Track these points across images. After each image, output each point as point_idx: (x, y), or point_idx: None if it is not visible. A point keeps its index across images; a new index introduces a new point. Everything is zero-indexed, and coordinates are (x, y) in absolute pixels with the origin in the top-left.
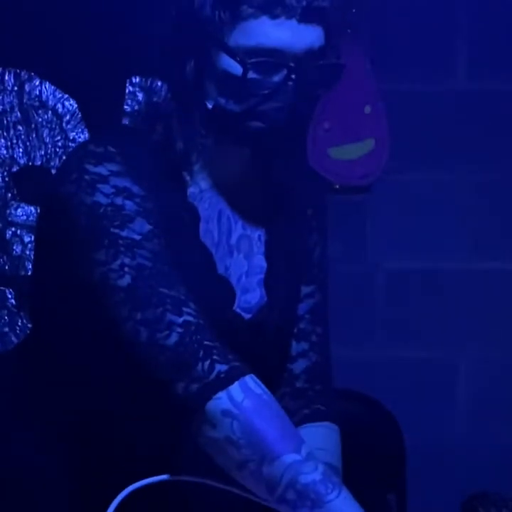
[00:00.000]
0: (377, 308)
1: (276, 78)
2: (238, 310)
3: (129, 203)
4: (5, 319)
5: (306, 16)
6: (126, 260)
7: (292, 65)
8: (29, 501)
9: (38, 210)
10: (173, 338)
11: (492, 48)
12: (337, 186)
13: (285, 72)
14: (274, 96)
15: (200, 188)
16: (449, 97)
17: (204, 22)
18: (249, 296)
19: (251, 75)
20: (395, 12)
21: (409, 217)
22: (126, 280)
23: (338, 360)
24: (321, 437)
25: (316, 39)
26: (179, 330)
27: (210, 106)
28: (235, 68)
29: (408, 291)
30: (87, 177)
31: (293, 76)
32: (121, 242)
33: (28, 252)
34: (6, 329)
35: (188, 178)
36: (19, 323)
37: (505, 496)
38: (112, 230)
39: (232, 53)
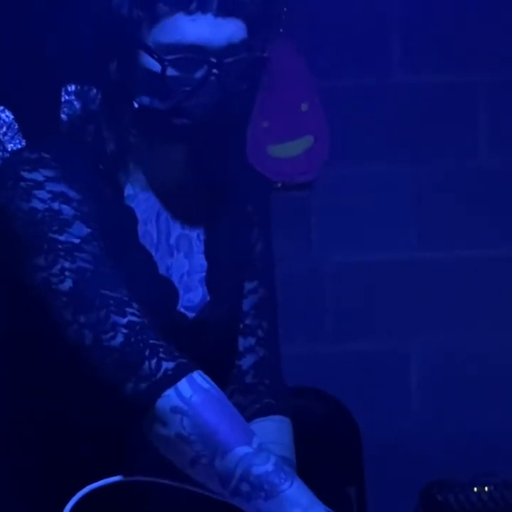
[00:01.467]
0: (325, 302)
1: (198, 74)
2: (182, 309)
3: (66, 208)
4: None
5: (223, 10)
6: (67, 264)
7: (213, 60)
8: None
9: None
10: (119, 338)
11: (424, 40)
12: (279, 184)
13: (206, 67)
14: (197, 92)
15: (135, 189)
16: (385, 90)
17: (122, 22)
18: (192, 295)
19: (171, 72)
20: (328, 8)
21: (353, 211)
22: (67, 284)
23: (290, 356)
24: (273, 431)
25: (235, 33)
26: (124, 330)
27: (136, 105)
28: (155, 66)
29: (356, 284)
30: (22, 184)
31: (215, 71)
32: (60, 246)
33: None
34: None
35: (123, 178)
36: None
37: (461, 481)
38: (50, 235)
39: (151, 51)
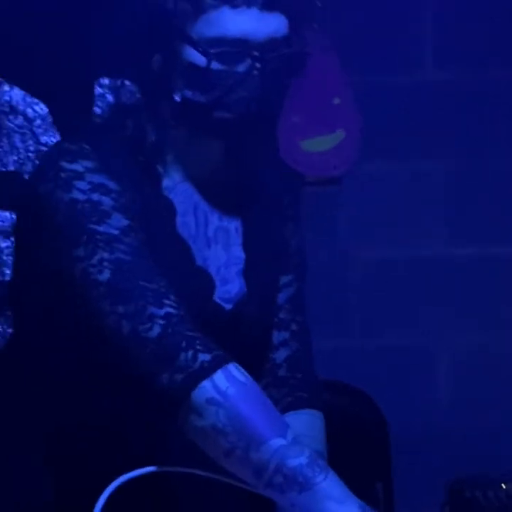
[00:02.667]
0: (354, 298)
1: (241, 68)
2: (218, 301)
3: (105, 199)
4: None
5: (268, 5)
6: (105, 255)
7: (256, 54)
8: (21, 501)
9: (16, 212)
10: (156, 330)
11: (458, 37)
12: (309, 178)
13: (249, 61)
14: (239, 86)
15: (174, 181)
16: (417, 86)
17: (167, 15)
18: (229, 286)
19: (215, 65)
20: (361, 3)
21: (381, 207)
22: (106, 275)
23: (318, 351)
24: (305, 424)
25: (278, 27)
26: (161, 322)
27: (178, 98)
28: (199, 59)
29: (384, 280)
30: (63, 174)
31: (257, 65)
32: (99, 237)
33: (4, 258)
34: None
35: (161, 170)
36: None
37: (490, 477)
38: (89, 226)
39: (196, 45)
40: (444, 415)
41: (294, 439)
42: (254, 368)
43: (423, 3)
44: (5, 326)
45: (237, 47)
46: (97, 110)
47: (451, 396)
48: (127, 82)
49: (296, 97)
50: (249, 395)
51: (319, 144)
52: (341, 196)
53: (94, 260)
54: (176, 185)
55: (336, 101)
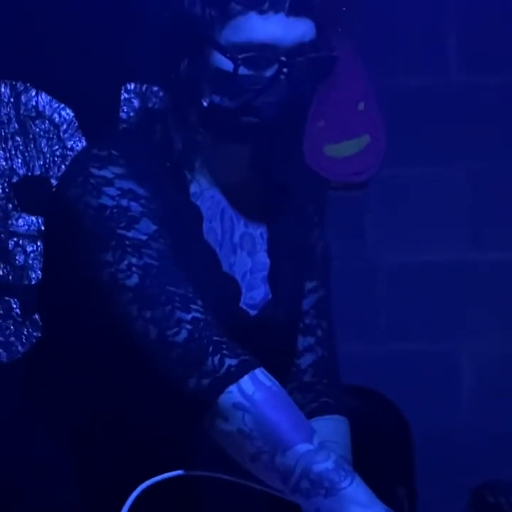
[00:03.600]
0: (378, 302)
1: (268, 73)
2: (244, 306)
3: (134, 205)
4: (11, 329)
5: (295, 10)
6: (134, 260)
7: (283, 59)
8: (48, 503)
9: (45, 217)
10: (183, 334)
11: (482, 40)
12: (334, 183)
13: (276, 66)
14: (267, 90)
15: (201, 187)
16: (442, 90)
17: (195, 21)
18: (255, 292)
19: (242, 70)
20: (385, 7)
21: (408, 211)
22: (134, 280)
23: (342, 355)
24: (330, 430)
25: (305, 32)
26: (188, 326)
27: (205, 104)
28: (227, 65)
29: (409, 285)
30: (92, 180)
31: (285, 70)
32: (127, 242)
33: (30, 262)
34: (12, 339)
35: (189, 176)
36: (25, 333)
37: None
38: (118, 231)
39: (223, 50)
40: (468, 420)
41: (320, 444)
42: (280, 374)
43: (447, 5)
44: (31, 330)
45: (265, 52)
46: (123, 115)
47: (475, 401)
48: (154, 88)
49: (321, 102)
50: (276, 399)
51: (344, 149)
52: (367, 201)
53: (123, 265)
54: (203, 191)
55: (361, 106)
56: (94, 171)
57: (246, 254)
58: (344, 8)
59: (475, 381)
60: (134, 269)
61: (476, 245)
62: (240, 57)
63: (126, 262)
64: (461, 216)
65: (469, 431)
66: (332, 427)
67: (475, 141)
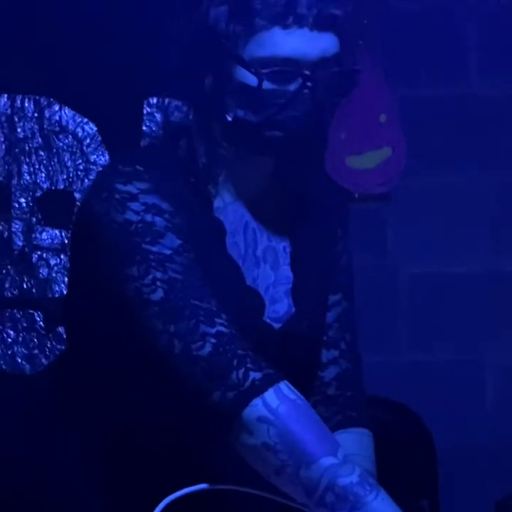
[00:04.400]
0: (400, 313)
1: (292, 87)
2: (268, 320)
3: (158, 219)
4: (34, 342)
5: (318, 24)
6: (158, 275)
7: (307, 73)
8: None
9: (70, 232)
10: (207, 348)
11: (503, 51)
12: (356, 195)
13: (300, 80)
14: (291, 105)
15: (224, 201)
16: (463, 100)
17: (219, 37)
18: (278, 306)
19: (266, 85)
20: (406, 18)
21: (430, 222)
22: (158, 294)
23: (365, 366)
24: (355, 443)
25: (329, 46)
26: (213, 340)
27: (229, 118)
28: (251, 79)
29: (431, 296)
30: (117, 196)
31: (308, 84)
32: (152, 257)
33: (54, 275)
34: (36, 351)
35: (213, 191)
36: (48, 345)
37: None
38: (143, 246)
39: (247, 65)
40: (492, 431)
41: (345, 458)
42: (304, 387)
43: (468, 16)
44: (54, 343)
45: (289, 66)
46: (146, 129)
47: (500, 411)
48: (177, 102)
49: (343, 113)
50: (300, 413)
51: (366, 160)
52: (389, 212)
53: (148, 280)
54: (227, 206)
55: (383, 118)
56: (119, 186)
57: (269, 267)
58: (365, 21)
59: (498, 392)
60: (158, 283)
61: (499, 256)
62: (264, 71)
63: (150, 277)
64: (484, 226)
65: (493, 442)
66: (356, 440)
67: (497, 151)
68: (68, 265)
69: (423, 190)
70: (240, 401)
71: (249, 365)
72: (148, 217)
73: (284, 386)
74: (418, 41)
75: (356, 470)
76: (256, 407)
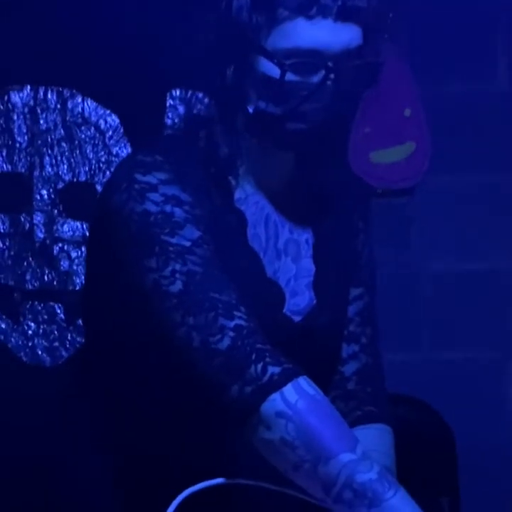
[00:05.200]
0: (423, 310)
1: (315, 79)
2: (288, 313)
3: (178, 211)
4: (55, 334)
5: (342, 15)
6: (177, 266)
7: (330, 64)
8: (87, 508)
9: (89, 222)
10: (226, 341)
11: None
12: (380, 190)
13: (323, 72)
14: (313, 96)
15: (246, 193)
16: (490, 98)
17: (242, 27)
18: (299, 299)
19: (289, 76)
20: (434, 15)
21: (453, 219)
22: (177, 286)
23: (386, 363)
24: (374, 439)
25: (353, 38)
26: (231, 334)
27: (251, 110)
28: (274, 71)
29: (454, 293)
30: (136, 186)
31: (331, 76)
32: (171, 249)
33: (75, 267)
34: (56, 344)
35: (233, 182)
36: (69, 338)
37: None
38: (162, 237)
39: (270, 56)
40: None
41: (364, 454)
42: (323, 381)
43: (496, 13)
44: (74, 335)
45: (312, 58)
46: (168, 121)
47: None
48: (200, 94)
49: (367, 108)
50: (319, 408)
51: (390, 155)
52: (413, 208)
53: (167, 272)
54: (248, 197)
55: (407, 113)
56: (139, 176)
57: (290, 260)
58: (391, 14)
59: None
60: (177, 275)
61: None
62: (286, 62)
63: (169, 269)
64: (508, 224)
65: None
66: (376, 436)
67: None
68: (86, 258)
69: (448, 187)
70: (259, 395)
71: (267, 360)
72: (168, 208)
73: (303, 381)
74: (445, 37)
75: (375, 467)
76: (274, 402)
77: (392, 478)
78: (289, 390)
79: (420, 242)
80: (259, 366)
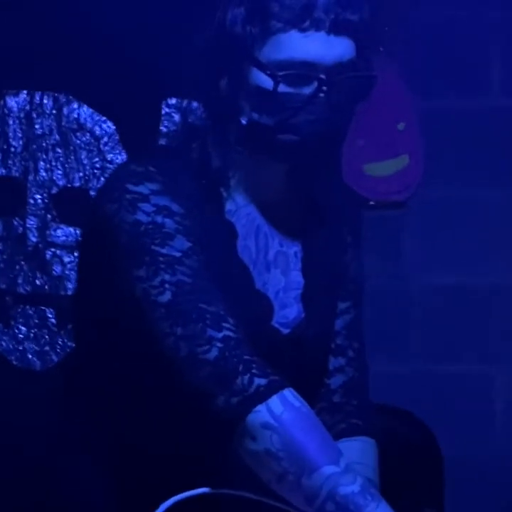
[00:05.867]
0: (412, 322)
1: (308, 91)
2: (276, 325)
3: (168, 221)
4: (46, 338)
5: (335, 29)
6: (167, 277)
7: (323, 77)
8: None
9: (81, 230)
10: (214, 352)
11: None
12: (372, 202)
13: (316, 84)
14: (306, 108)
15: (237, 205)
16: (483, 113)
17: (236, 39)
18: (287, 311)
19: (282, 88)
20: (428, 29)
21: (444, 233)
22: (166, 296)
23: (374, 374)
24: (358, 451)
25: (345, 51)
26: (219, 345)
27: (244, 122)
28: (267, 82)
29: (443, 306)
30: (128, 196)
31: (324, 88)
32: (161, 259)
33: (67, 272)
34: (47, 348)
35: (225, 194)
36: (59, 342)
37: None
38: (152, 247)
39: (264, 68)
40: (500, 444)
41: (347, 467)
42: (310, 393)
43: (491, 27)
44: (65, 339)
45: (305, 70)
46: (164, 129)
47: (507, 423)
48: (195, 104)
49: (361, 120)
50: (304, 420)
51: (383, 168)
52: (404, 221)
53: (156, 282)
54: (239, 209)
55: (401, 126)
56: (131, 186)
57: (280, 272)
58: (386, 28)
59: (508, 404)
60: (166, 285)
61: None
62: (280, 74)
63: (159, 279)
64: (499, 239)
65: (501, 456)
66: (360, 449)
67: None
68: (78, 265)
69: (441, 201)
70: (244, 406)
71: (254, 371)
72: (159, 219)
73: (289, 393)
74: (440, 52)
75: (358, 479)
76: (260, 413)
77: (375, 491)
78: (274, 401)
79: (412, 255)
80: (246, 377)
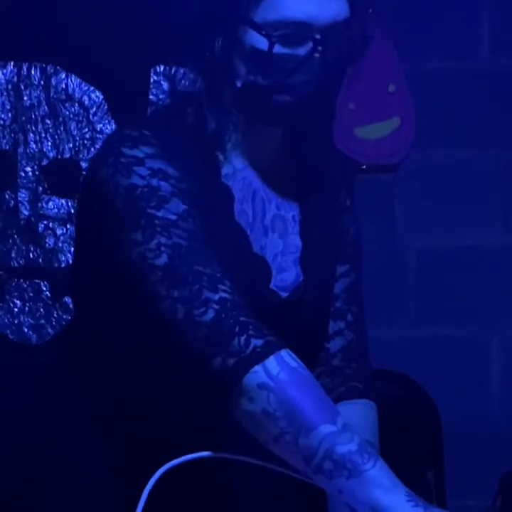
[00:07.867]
0: (408, 287)
1: (303, 51)
2: (275, 288)
3: (164, 184)
4: (41, 311)
5: None
6: (163, 240)
7: (318, 37)
8: (75, 483)
9: (75, 198)
10: (210, 314)
11: None
12: (364, 166)
13: (311, 44)
14: (301, 69)
15: (233, 168)
16: (473, 74)
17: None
18: (286, 274)
19: (277, 48)
20: None
21: (438, 195)
22: (162, 259)
23: (372, 339)
24: (358, 414)
25: (340, 11)
26: (215, 306)
27: (239, 84)
28: (262, 43)
29: (439, 269)
30: (123, 160)
31: (319, 48)
32: (157, 222)
33: (60, 245)
34: (42, 321)
35: (221, 158)
36: (55, 315)
37: None
38: (148, 210)
39: (259, 28)
40: (497, 405)
41: (344, 426)
42: (309, 357)
43: None
44: (61, 313)
45: (300, 30)
46: (153, 98)
47: (505, 385)
48: (185, 70)
49: (351, 84)
50: (301, 380)
51: (375, 131)
52: (397, 184)
53: (152, 245)
54: (236, 173)
55: (392, 88)
56: (125, 150)
57: (277, 236)
58: None
59: (505, 366)
60: (162, 248)
61: (508, 230)
62: (275, 34)
63: (155, 242)
64: (493, 200)
65: (498, 416)
66: (360, 412)
67: (506, 125)
68: (74, 234)
69: (432, 164)
70: (241, 367)
71: (251, 332)
72: (154, 182)
73: (286, 353)
74: (429, 13)
75: (355, 438)
76: (256, 374)
77: (373, 450)
78: (271, 362)
79: (405, 218)
80: (243, 338)
